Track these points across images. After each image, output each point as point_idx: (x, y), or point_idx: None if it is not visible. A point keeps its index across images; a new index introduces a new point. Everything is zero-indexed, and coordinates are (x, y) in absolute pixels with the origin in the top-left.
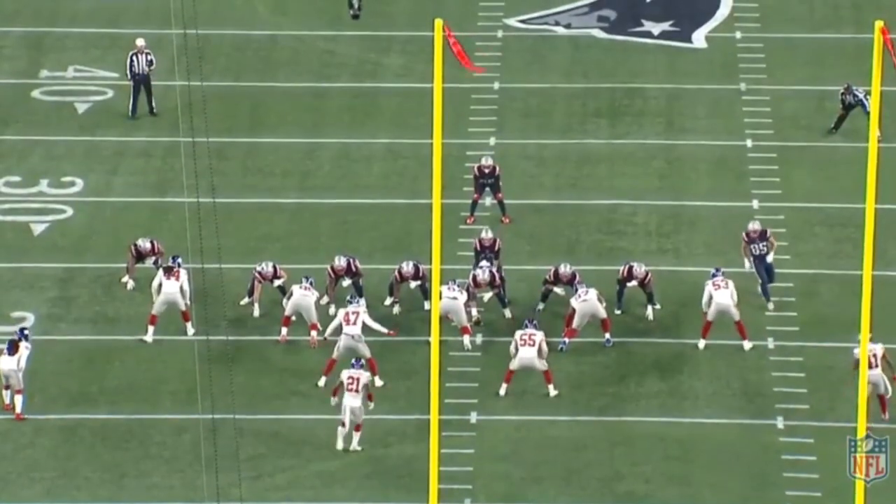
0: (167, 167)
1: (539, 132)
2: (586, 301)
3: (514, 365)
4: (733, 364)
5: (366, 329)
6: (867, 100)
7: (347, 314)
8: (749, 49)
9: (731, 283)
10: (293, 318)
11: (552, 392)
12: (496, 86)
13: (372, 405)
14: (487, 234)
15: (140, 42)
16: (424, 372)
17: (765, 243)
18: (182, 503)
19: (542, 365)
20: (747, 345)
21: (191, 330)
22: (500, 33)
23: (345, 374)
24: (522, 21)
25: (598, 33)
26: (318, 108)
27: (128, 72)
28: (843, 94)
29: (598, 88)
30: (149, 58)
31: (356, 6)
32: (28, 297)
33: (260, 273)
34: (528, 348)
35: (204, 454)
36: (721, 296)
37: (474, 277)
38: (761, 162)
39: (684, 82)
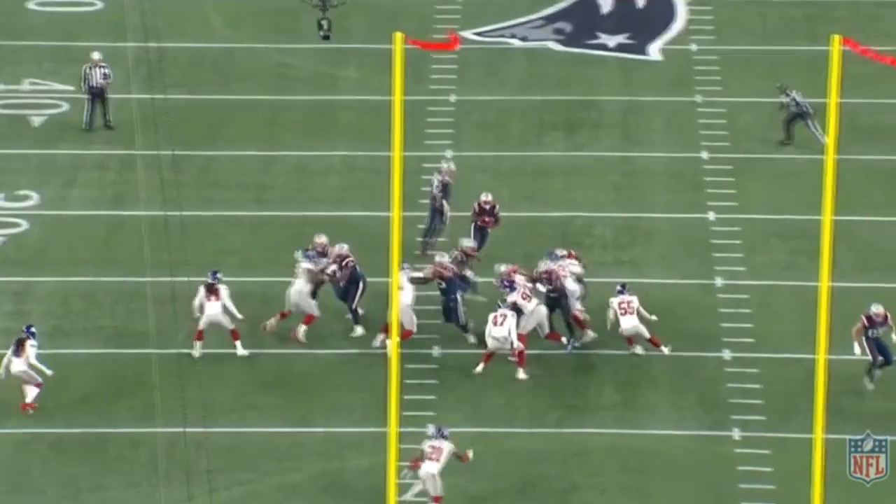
0: (123, 180)
1: (495, 145)
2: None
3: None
4: (689, 376)
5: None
6: (800, 98)
7: (496, 316)
8: (704, 61)
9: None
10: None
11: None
12: (452, 98)
13: (470, 453)
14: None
15: (96, 55)
16: (381, 384)
17: (885, 327)
18: None
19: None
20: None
21: (241, 350)
22: (456, 46)
23: (426, 444)
24: (479, 34)
25: (555, 46)
26: (275, 120)
27: (83, 85)
28: (780, 92)
29: (554, 101)
30: (104, 71)
31: (326, 27)
32: None
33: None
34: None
35: (161, 468)
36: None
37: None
38: (717, 174)
39: (640, 94)
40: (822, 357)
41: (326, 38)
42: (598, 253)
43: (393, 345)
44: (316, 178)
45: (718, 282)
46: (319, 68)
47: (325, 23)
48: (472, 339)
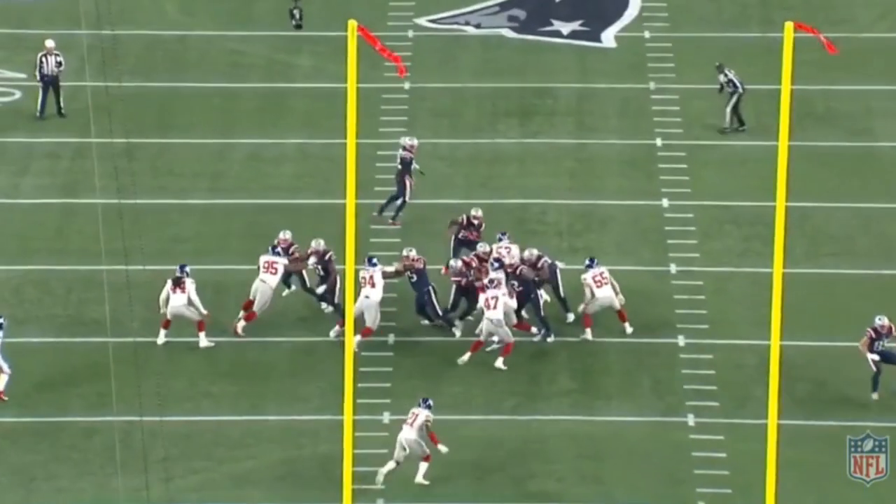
0: (76, 168)
1: (450, 132)
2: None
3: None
4: (644, 362)
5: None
6: (736, 78)
7: (487, 300)
8: (658, 48)
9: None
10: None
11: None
12: (407, 86)
13: (442, 447)
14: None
15: (49, 43)
16: (337, 372)
17: (890, 338)
18: None
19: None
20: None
21: (204, 342)
22: (410, 33)
23: (411, 411)
24: (433, 21)
25: (508, 33)
26: (229, 108)
27: (36, 73)
28: (718, 72)
29: (508, 88)
30: (58, 59)
31: (298, 16)
32: None
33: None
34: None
35: (117, 457)
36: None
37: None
38: (671, 161)
39: (594, 82)
40: (775, 343)
41: (299, 27)
42: (553, 240)
43: (348, 334)
44: (270, 166)
45: (673, 268)
46: (273, 56)
47: (297, 12)
48: (458, 332)
